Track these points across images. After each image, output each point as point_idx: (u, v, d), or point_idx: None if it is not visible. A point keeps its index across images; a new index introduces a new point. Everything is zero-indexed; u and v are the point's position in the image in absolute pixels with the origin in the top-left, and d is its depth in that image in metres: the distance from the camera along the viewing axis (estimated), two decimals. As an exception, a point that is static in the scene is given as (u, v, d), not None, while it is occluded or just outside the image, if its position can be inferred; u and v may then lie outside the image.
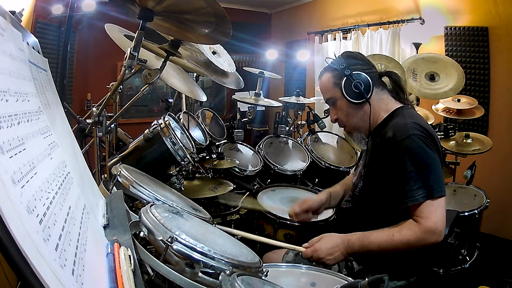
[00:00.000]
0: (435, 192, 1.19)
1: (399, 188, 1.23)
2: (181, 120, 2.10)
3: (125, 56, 1.37)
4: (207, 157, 2.26)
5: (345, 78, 1.36)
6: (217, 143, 2.42)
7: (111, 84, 1.86)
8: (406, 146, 1.23)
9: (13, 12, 0.85)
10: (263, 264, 0.95)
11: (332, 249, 1.29)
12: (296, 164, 2.62)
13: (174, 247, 0.78)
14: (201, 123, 2.31)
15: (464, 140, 2.77)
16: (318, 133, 2.86)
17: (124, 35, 1.71)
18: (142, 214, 0.86)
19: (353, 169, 1.72)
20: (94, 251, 0.67)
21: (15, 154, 0.52)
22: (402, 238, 1.21)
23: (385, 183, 1.30)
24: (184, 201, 1.33)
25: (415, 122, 1.27)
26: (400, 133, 1.26)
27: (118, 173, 1.14)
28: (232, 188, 2.08)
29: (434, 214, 1.19)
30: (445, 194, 1.22)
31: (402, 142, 1.24)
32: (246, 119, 2.85)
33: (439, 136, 2.42)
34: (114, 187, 1.14)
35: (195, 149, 1.81)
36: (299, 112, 3.05)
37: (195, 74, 2.40)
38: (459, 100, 2.87)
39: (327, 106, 3.39)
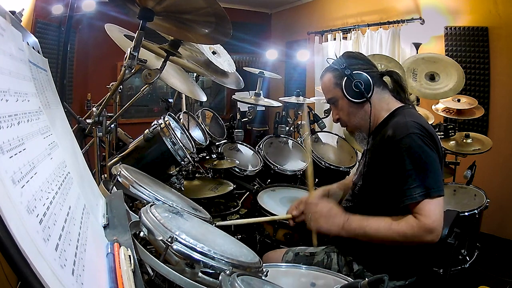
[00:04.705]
0: (433, 191, 1.19)
1: (398, 186, 1.23)
2: (181, 120, 2.10)
3: (125, 56, 1.37)
4: (207, 157, 2.26)
5: (345, 78, 1.37)
6: (217, 143, 2.42)
7: (111, 84, 1.85)
8: (405, 144, 1.23)
9: (13, 12, 0.85)
10: (263, 264, 0.95)
11: (330, 214, 1.29)
12: (296, 164, 2.62)
13: (174, 247, 0.78)
14: (201, 123, 2.31)
15: (464, 140, 2.77)
16: (318, 133, 2.86)
17: (124, 35, 1.71)
18: (142, 214, 0.87)
19: (354, 168, 1.71)
20: (94, 251, 0.67)
21: (15, 154, 0.52)
22: (399, 229, 1.20)
23: (384, 182, 1.30)
24: (184, 201, 1.33)
25: (414, 121, 1.27)
26: (400, 131, 1.26)
27: (118, 173, 1.14)
28: (232, 188, 2.08)
29: (432, 213, 1.19)
30: (443, 194, 1.22)
31: (401, 140, 1.24)
32: (246, 119, 2.85)
33: (439, 136, 2.42)
34: (114, 187, 1.14)
35: (195, 149, 1.81)
36: (299, 112, 3.05)
37: (195, 74, 2.40)
38: (459, 100, 2.87)
39: (327, 106, 3.41)
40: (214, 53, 2.00)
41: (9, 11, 0.80)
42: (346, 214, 1.32)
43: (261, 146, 2.62)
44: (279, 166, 2.49)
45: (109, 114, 1.62)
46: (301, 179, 2.56)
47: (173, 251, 0.78)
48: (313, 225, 1.33)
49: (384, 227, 1.23)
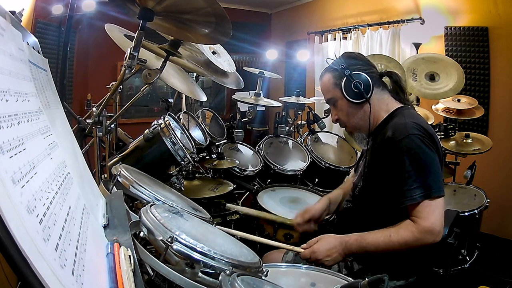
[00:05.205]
0: (433, 192, 1.19)
1: (398, 187, 1.23)
2: (181, 120, 2.10)
3: (125, 56, 1.37)
4: (207, 157, 2.26)
5: (345, 78, 1.37)
6: (217, 143, 2.42)
7: (111, 84, 1.85)
8: (404, 145, 1.23)
9: (13, 12, 0.85)
10: (263, 264, 0.95)
11: (330, 250, 1.30)
12: (296, 164, 2.62)
13: (174, 247, 0.78)
14: (201, 123, 2.31)
15: (464, 140, 2.77)
16: (318, 133, 2.86)
17: (124, 35, 1.71)
18: (142, 214, 0.86)
19: (353, 169, 1.71)
20: (94, 251, 0.67)
21: (15, 154, 0.52)
22: (399, 239, 1.21)
23: (384, 183, 1.30)
24: (184, 201, 1.33)
25: (414, 122, 1.27)
26: (399, 132, 1.26)
27: (118, 173, 1.14)
28: (232, 188, 2.08)
29: (431, 215, 1.19)
30: (443, 194, 1.22)
31: (401, 141, 1.24)
32: (246, 119, 2.85)
33: (439, 136, 2.42)
34: (114, 187, 1.14)
35: (195, 149, 1.80)
36: (299, 112, 3.05)
37: (195, 74, 2.40)
38: (459, 100, 2.87)
39: (327, 106, 3.41)
40: (214, 53, 2.00)
41: (9, 11, 0.80)
42: (342, 240, 1.30)
43: (261, 146, 2.62)
44: (279, 166, 2.49)
45: (109, 114, 1.62)
46: (301, 179, 2.56)
47: (173, 251, 0.78)
48: (327, 265, 1.32)
49: (384, 242, 1.23)
